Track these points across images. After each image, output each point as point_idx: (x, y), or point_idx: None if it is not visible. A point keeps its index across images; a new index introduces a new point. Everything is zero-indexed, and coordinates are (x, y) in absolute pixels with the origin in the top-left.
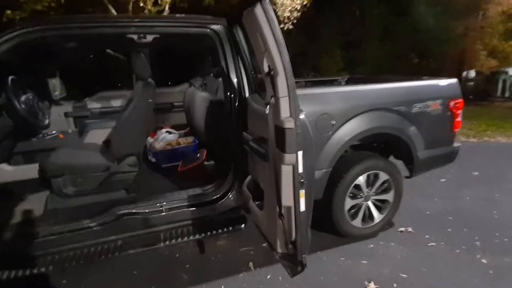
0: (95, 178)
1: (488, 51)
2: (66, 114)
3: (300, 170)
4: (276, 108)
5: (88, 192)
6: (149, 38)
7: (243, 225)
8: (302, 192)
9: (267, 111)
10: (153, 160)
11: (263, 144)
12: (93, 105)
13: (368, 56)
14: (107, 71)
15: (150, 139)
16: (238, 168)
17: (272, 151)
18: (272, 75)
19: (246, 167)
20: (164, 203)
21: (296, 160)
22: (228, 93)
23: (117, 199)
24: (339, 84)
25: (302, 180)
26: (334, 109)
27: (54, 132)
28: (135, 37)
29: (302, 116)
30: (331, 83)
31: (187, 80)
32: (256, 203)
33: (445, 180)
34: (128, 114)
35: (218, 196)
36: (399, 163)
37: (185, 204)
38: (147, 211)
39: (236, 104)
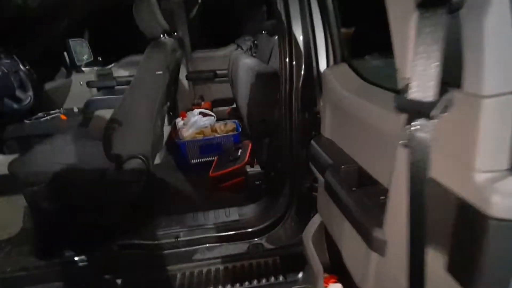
0: (85, 190)
1: None
2: (89, 84)
3: None
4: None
5: (76, 209)
6: None
7: (300, 274)
8: None
9: (401, 140)
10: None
11: (370, 197)
12: (120, 72)
13: None
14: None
15: (179, 121)
16: (297, 188)
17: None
18: None
19: (314, 201)
20: (181, 232)
21: None
22: (287, 61)
23: (112, 223)
24: None
25: None
26: None
27: (57, 111)
28: None
29: None
30: None
31: (234, 40)
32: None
33: None
34: (124, 98)
35: (264, 225)
36: None
37: (212, 235)
38: (155, 243)
39: (300, 82)
